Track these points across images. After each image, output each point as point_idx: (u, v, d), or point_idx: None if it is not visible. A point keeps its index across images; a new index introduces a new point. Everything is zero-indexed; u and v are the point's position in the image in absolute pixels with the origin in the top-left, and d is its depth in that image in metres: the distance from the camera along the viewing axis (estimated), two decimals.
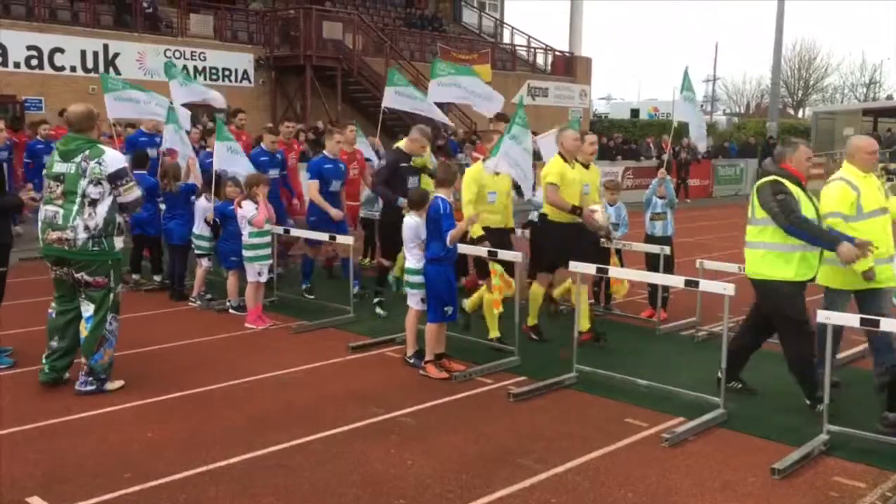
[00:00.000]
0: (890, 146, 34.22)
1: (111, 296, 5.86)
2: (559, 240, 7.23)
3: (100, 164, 5.63)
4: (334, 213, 8.70)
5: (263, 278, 8.06)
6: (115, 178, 5.69)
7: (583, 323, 7.08)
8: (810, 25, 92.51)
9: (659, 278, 7.02)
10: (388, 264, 8.55)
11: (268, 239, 8.08)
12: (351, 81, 22.40)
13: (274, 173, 9.37)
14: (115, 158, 5.76)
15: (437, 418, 5.59)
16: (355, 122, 11.71)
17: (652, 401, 5.91)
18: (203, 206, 8.61)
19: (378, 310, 8.30)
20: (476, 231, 6.96)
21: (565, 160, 7.28)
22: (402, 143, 8.70)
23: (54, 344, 5.94)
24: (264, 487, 4.45)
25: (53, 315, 5.97)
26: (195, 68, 20.67)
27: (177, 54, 20.29)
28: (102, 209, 5.66)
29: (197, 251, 8.82)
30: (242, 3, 24.47)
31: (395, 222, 7.37)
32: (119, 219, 5.82)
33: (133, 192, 5.80)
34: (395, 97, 10.88)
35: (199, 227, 8.71)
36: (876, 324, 4.92)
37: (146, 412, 5.60)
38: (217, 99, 10.35)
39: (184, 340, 7.42)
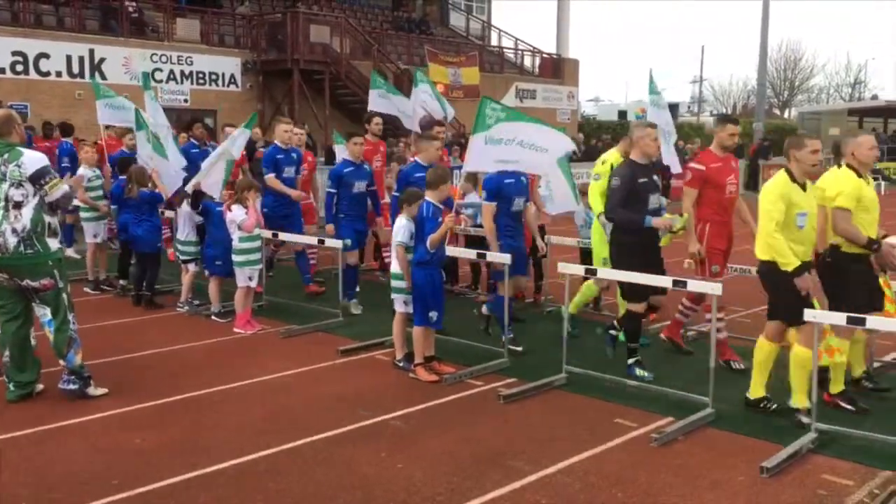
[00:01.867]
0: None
1: (64, 296, 5.82)
2: (865, 278, 5.72)
3: (19, 166, 5.60)
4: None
5: (254, 283, 8.03)
6: (37, 179, 5.64)
7: (834, 384, 5.84)
8: (795, 26, 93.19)
9: (647, 279, 7.02)
10: (639, 309, 6.54)
11: (258, 244, 8.06)
12: (339, 85, 22.39)
13: (361, 185, 8.74)
14: (33, 159, 5.70)
15: (427, 421, 5.59)
16: (334, 129, 11.69)
17: (641, 401, 5.93)
18: (185, 210, 8.61)
19: (638, 371, 6.45)
20: (789, 261, 5.38)
21: (859, 175, 5.79)
22: (631, 152, 6.71)
23: (6, 359, 5.86)
24: (254, 493, 4.44)
25: None
26: (182, 73, 20.62)
27: (163, 59, 20.24)
28: (28, 211, 5.62)
29: (182, 257, 8.80)
30: (229, 6, 24.43)
31: (631, 257, 6.26)
32: (50, 219, 5.75)
33: (59, 189, 5.74)
34: (379, 100, 10.96)
35: (185, 233, 8.70)
36: (862, 322, 4.95)
37: (135, 418, 5.57)
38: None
39: (172, 346, 7.38)
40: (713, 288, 5.64)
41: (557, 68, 31.46)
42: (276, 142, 9.45)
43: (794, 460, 4.89)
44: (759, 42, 30.94)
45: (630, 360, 6.48)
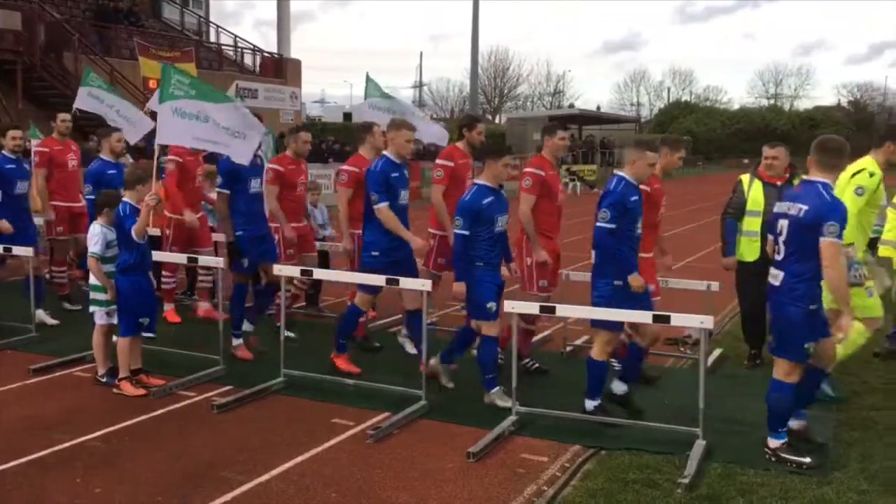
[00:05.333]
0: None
1: None
2: None
3: None
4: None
5: None
6: None
7: None
8: (503, 36, 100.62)
9: (361, 278, 7.12)
10: None
11: None
12: (35, 77, 20.31)
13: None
14: None
15: (132, 439, 5.21)
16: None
17: (359, 399, 5.98)
18: None
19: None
20: None
21: None
22: None
23: None
24: None
25: None
26: None
27: None
28: None
29: None
30: None
31: None
32: None
33: None
34: (88, 98, 10.14)
35: None
36: (553, 310, 5.39)
37: None
38: None
39: None
40: (423, 284, 5.85)
41: (279, 68, 31.11)
42: (386, 153, 6.56)
43: (497, 443, 5.20)
44: (470, 51, 32.92)
45: None
